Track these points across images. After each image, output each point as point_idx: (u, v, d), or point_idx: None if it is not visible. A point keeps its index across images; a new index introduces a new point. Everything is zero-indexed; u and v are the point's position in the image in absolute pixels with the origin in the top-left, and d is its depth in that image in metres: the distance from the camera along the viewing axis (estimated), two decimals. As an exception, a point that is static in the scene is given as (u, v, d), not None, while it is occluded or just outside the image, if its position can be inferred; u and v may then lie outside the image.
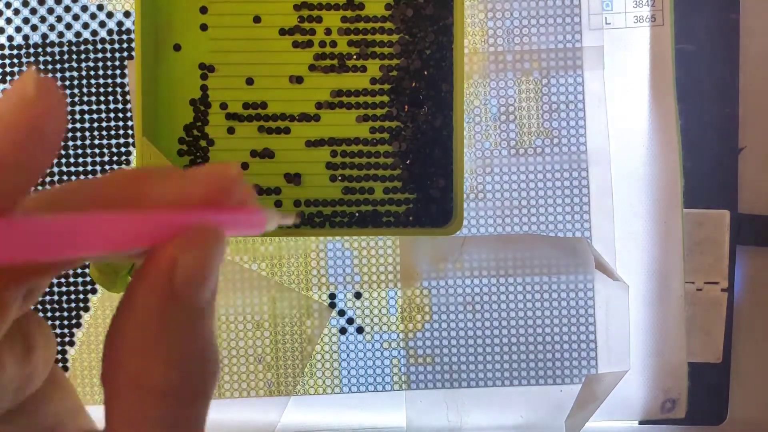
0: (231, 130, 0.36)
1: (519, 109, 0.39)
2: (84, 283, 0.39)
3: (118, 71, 0.39)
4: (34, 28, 0.39)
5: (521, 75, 0.39)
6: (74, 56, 0.39)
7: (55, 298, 0.39)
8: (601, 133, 0.39)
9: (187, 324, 0.15)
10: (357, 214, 0.36)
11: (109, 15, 0.39)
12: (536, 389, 0.39)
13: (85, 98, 0.39)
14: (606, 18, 0.39)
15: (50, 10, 0.39)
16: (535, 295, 0.39)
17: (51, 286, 0.39)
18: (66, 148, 0.39)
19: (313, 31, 0.36)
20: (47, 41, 0.39)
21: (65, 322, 0.39)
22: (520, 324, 0.39)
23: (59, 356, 0.39)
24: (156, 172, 0.16)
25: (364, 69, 0.36)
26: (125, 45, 0.39)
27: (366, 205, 0.36)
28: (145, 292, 0.15)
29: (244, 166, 0.36)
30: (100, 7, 0.39)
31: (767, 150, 0.39)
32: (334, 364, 0.39)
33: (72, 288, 0.39)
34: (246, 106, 0.36)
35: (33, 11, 0.39)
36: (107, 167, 0.39)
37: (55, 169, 0.39)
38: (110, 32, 0.39)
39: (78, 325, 0.39)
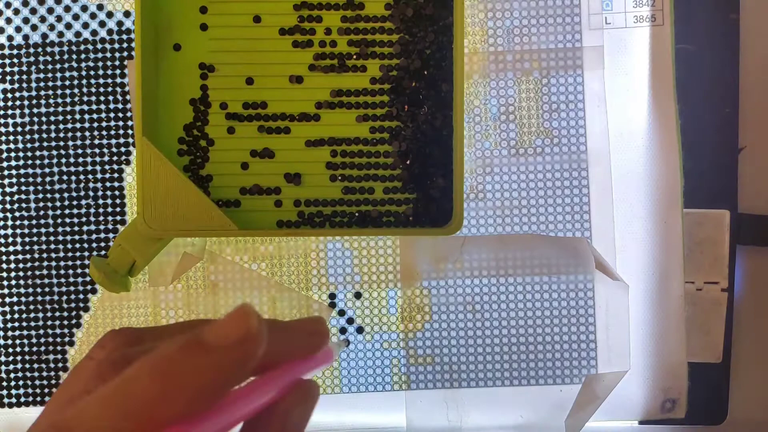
0: (231, 130, 0.36)
1: (519, 109, 0.39)
2: (84, 283, 0.39)
3: (118, 71, 0.39)
4: (34, 28, 0.39)
5: (521, 75, 0.39)
6: (74, 56, 0.39)
7: (55, 298, 0.39)
8: (601, 133, 0.39)
9: None
10: (357, 214, 0.36)
11: (109, 15, 0.39)
12: (536, 389, 0.39)
13: (85, 98, 0.39)
14: (606, 18, 0.39)
15: (50, 10, 0.39)
16: (535, 295, 0.39)
17: (51, 286, 0.39)
18: (66, 148, 0.39)
19: (313, 31, 0.36)
20: (47, 41, 0.39)
21: (65, 322, 0.39)
22: (520, 324, 0.39)
23: (59, 356, 0.39)
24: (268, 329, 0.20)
25: (364, 69, 0.36)
26: (125, 45, 0.39)
27: (366, 205, 0.36)
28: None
29: (244, 166, 0.36)
30: (100, 7, 0.39)
31: (767, 150, 0.39)
32: (334, 364, 0.39)
33: (72, 288, 0.39)
34: (246, 106, 0.36)
35: (33, 11, 0.39)
36: (107, 167, 0.39)
37: (55, 170, 0.39)
38: (110, 32, 0.39)
39: (78, 325, 0.39)
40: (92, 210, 0.39)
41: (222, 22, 0.36)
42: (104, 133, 0.39)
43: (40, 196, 0.39)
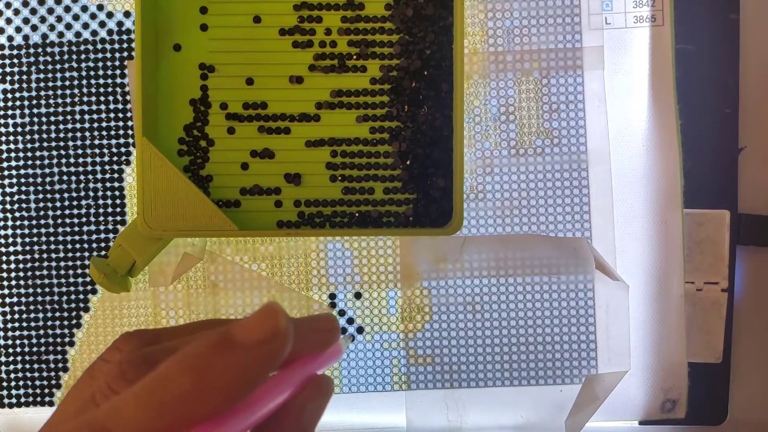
0: (231, 130, 0.36)
1: (519, 109, 0.39)
2: (84, 283, 0.39)
3: (118, 71, 0.39)
4: (34, 28, 0.39)
5: (521, 75, 0.39)
6: (74, 56, 0.39)
7: (55, 298, 0.39)
8: (601, 133, 0.39)
9: None
10: (357, 214, 0.36)
11: (109, 15, 0.39)
12: (536, 389, 0.39)
13: (85, 98, 0.39)
14: (606, 18, 0.39)
15: (50, 10, 0.39)
16: (535, 295, 0.39)
17: (51, 286, 0.39)
18: (66, 148, 0.39)
19: (313, 31, 0.36)
20: (47, 41, 0.39)
21: (65, 322, 0.39)
22: (520, 324, 0.39)
23: (59, 356, 0.39)
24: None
25: (364, 69, 0.36)
26: (125, 45, 0.39)
27: (366, 205, 0.36)
28: (281, 428, 0.20)
29: (244, 166, 0.36)
30: (100, 7, 0.39)
31: (767, 150, 0.39)
32: (334, 364, 0.39)
33: (72, 288, 0.39)
34: (246, 106, 0.36)
35: (33, 11, 0.39)
36: (107, 167, 0.39)
37: (55, 170, 0.39)
38: (110, 32, 0.39)
39: (78, 325, 0.39)
40: (92, 210, 0.39)
41: (222, 23, 0.36)
42: (104, 133, 0.39)
43: (40, 196, 0.39)
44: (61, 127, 0.39)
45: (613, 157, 0.39)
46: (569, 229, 0.39)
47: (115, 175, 0.39)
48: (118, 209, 0.39)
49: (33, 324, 0.39)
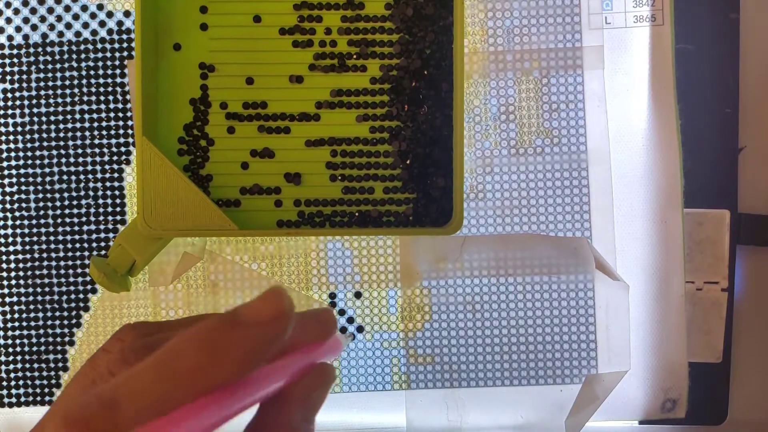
0: (231, 130, 0.36)
1: (519, 108, 0.39)
2: (84, 283, 0.39)
3: (118, 71, 0.39)
4: (34, 27, 0.39)
5: (521, 75, 0.39)
6: (74, 56, 0.39)
7: (55, 298, 0.39)
8: (601, 133, 0.39)
9: None
10: (357, 214, 0.36)
11: (109, 15, 0.39)
12: (536, 389, 0.39)
13: (85, 98, 0.39)
14: (606, 18, 0.39)
15: (50, 10, 0.39)
16: (535, 295, 0.39)
17: (51, 285, 0.39)
18: (66, 148, 0.39)
19: (313, 31, 0.36)
20: (47, 41, 0.39)
21: (65, 322, 0.39)
22: (520, 324, 0.39)
23: (59, 356, 0.39)
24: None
25: (364, 69, 0.36)
26: (125, 45, 0.39)
27: (366, 204, 0.36)
28: (285, 413, 0.21)
29: (244, 165, 0.36)
30: (100, 7, 0.39)
31: (767, 150, 0.39)
32: (334, 364, 0.39)
33: (72, 288, 0.39)
34: (246, 105, 0.36)
35: (33, 11, 0.39)
36: (107, 167, 0.39)
37: (55, 170, 0.39)
38: (110, 32, 0.39)
39: (78, 325, 0.39)
40: (92, 210, 0.39)
41: (222, 22, 0.36)
42: (104, 133, 0.39)
43: (40, 196, 0.39)
44: (61, 126, 0.39)
45: (613, 156, 0.39)
46: (569, 229, 0.39)
47: (115, 175, 0.39)
48: (118, 209, 0.39)
49: (33, 323, 0.39)
